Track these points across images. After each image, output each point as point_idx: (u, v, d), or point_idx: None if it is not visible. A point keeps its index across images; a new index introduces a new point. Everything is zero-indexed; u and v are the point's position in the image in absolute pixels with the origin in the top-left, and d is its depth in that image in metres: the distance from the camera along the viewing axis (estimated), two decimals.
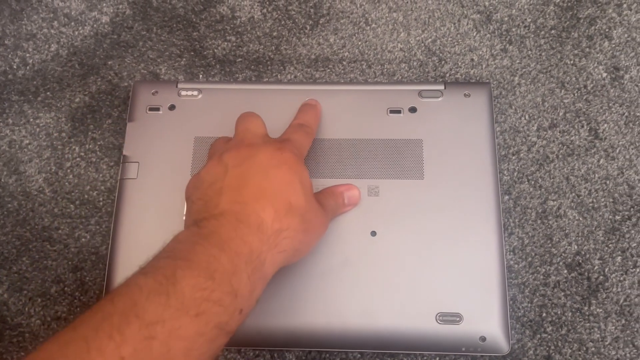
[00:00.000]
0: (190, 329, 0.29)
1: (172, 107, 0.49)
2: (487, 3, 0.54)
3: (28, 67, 0.53)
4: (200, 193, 0.37)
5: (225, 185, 0.36)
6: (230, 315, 0.31)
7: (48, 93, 0.52)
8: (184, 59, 0.53)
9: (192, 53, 0.53)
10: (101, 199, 0.49)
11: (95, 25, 0.54)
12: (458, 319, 0.42)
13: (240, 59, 0.53)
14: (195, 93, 0.49)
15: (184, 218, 0.39)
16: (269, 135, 0.42)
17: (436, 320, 0.42)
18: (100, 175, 0.49)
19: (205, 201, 0.36)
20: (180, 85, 0.49)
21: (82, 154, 0.50)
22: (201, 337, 0.29)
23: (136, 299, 0.28)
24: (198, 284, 0.30)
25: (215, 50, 0.53)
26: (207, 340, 0.30)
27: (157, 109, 0.49)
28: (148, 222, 0.45)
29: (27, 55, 0.53)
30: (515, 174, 0.48)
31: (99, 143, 0.50)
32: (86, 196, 0.49)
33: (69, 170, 0.50)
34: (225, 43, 0.53)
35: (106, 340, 0.26)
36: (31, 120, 0.51)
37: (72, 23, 0.54)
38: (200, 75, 0.52)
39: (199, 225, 0.34)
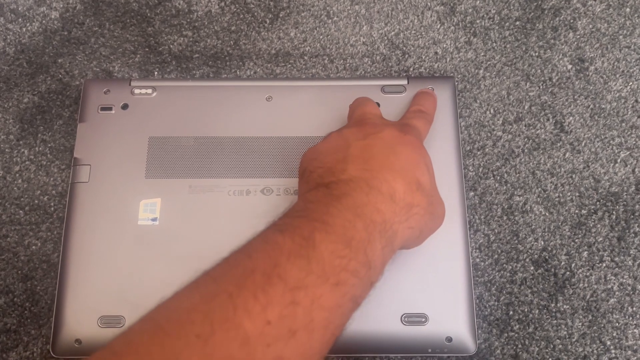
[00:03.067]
0: (330, 299, 0.27)
1: (125, 107, 0.47)
2: None
3: None
4: (319, 162, 0.35)
5: (349, 154, 0.34)
6: (363, 287, 0.29)
7: None
8: (139, 56, 0.51)
9: (147, 49, 0.51)
10: (52, 204, 0.46)
11: (44, 21, 0.52)
12: (424, 319, 0.41)
13: (197, 55, 0.51)
14: (149, 91, 0.47)
15: (298, 189, 0.37)
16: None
17: (401, 321, 0.41)
18: (51, 179, 0.47)
19: (328, 168, 0.34)
20: (133, 83, 0.47)
21: (32, 157, 0.48)
22: (339, 309, 0.28)
23: (277, 259, 0.27)
24: (337, 250, 0.28)
25: (171, 46, 0.51)
26: (343, 313, 0.28)
27: (110, 109, 0.47)
28: (101, 228, 0.43)
29: None
30: (481, 169, 0.47)
31: (49, 145, 0.48)
32: (36, 201, 0.46)
33: (17, 175, 0.47)
34: (182, 38, 0.51)
35: (252, 300, 0.25)
36: None
37: (20, 19, 0.52)
38: (156, 72, 0.50)
39: (329, 187, 0.32)
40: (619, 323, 0.43)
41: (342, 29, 0.52)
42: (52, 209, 0.46)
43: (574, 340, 0.43)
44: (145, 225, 0.43)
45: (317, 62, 0.51)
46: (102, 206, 0.44)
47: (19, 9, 0.52)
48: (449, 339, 0.41)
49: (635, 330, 0.43)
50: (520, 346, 0.43)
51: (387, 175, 0.33)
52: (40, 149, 0.48)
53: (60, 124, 0.49)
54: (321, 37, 0.51)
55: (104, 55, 0.51)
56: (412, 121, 0.41)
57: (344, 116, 0.45)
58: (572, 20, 0.52)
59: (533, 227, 0.46)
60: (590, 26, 0.51)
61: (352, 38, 0.51)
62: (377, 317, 0.41)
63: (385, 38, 0.51)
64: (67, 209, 0.44)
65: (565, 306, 0.44)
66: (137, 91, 0.47)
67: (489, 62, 0.50)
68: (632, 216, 0.46)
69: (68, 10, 0.52)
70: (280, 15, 0.52)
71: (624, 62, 0.50)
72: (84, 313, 0.42)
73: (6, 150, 0.48)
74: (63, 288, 0.42)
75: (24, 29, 0.51)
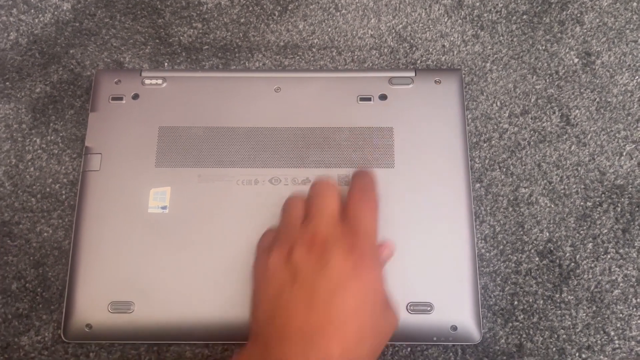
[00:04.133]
0: None
1: (135, 97, 0.47)
2: None
3: None
4: (267, 295, 0.36)
5: (293, 298, 0.34)
6: None
7: (7, 83, 0.50)
8: (149, 47, 0.51)
9: (157, 41, 0.52)
10: (64, 192, 0.47)
11: (56, 13, 0.52)
12: (429, 308, 0.42)
13: (206, 47, 0.51)
14: (159, 82, 0.48)
15: (251, 300, 0.38)
16: (340, 220, 0.38)
17: (407, 310, 0.42)
18: (63, 167, 0.48)
19: (271, 314, 0.35)
20: (144, 74, 0.48)
21: (44, 145, 0.48)
22: None
23: None
24: None
25: (181, 38, 0.52)
26: None
27: (120, 99, 0.47)
28: (112, 216, 0.44)
29: None
30: (487, 161, 0.48)
31: (61, 134, 0.49)
32: (48, 189, 0.47)
33: (29, 163, 0.48)
34: (191, 30, 0.52)
35: None
36: None
37: (32, 10, 0.52)
38: (166, 64, 0.51)
39: (267, 346, 0.33)
40: (623, 314, 0.44)
41: (350, 22, 0.52)
42: (64, 196, 0.47)
43: (578, 330, 0.43)
44: (155, 213, 0.44)
45: (325, 54, 0.51)
46: (112, 194, 0.44)
47: (32, 0, 0.53)
48: (454, 328, 0.42)
49: (639, 321, 0.43)
50: (524, 336, 0.43)
51: (326, 337, 0.33)
52: (52, 137, 0.49)
53: (72, 113, 0.49)
54: (329, 29, 0.52)
55: (115, 46, 0.51)
56: (360, 214, 0.39)
57: (350, 107, 0.46)
58: (579, 15, 0.52)
59: (538, 218, 0.46)
60: (597, 20, 0.52)
61: (360, 31, 0.52)
62: None
63: (393, 31, 0.52)
64: (78, 197, 0.45)
65: (569, 297, 0.44)
66: (147, 82, 0.48)
67: (495, 56, 0.51)
68: (637, 209, 0.46)
69: (80, 1, 0.53)
70: (289, 8, 0.53)
71: (630, 56, 0.50)
72: (95, 299, 0.42)
73: (19, 139, 0.48)
74: (74, 274, 0.43)
75: (37, 20, 0.52)
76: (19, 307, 0.44)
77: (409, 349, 0.43)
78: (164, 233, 0.43)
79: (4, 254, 0.45)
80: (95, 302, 0.42)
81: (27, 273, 0.45)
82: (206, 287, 0.42)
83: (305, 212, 0.39)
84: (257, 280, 0.38)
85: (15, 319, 0.44)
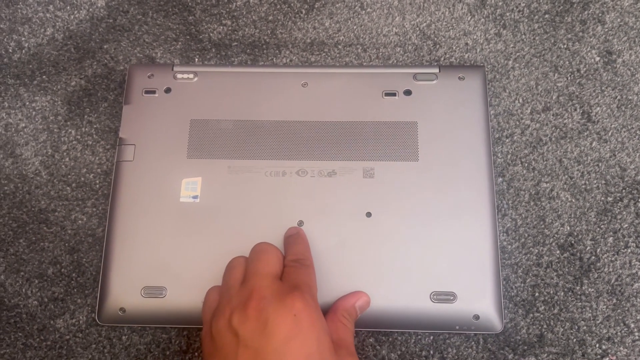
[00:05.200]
0: None
1: (168, 90, 0.49)
2: None
3: (24, 51, 0.53)
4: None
5: None
6: None
7: (44, 77, 0.52)
8: (180, 43, 0.53)
9: (188, 37, 0.53)
10: (97, 181, 0.49)
11: (90, 9, 0.54)
12: (452, 297, 0.43)
13: (235, 43, 0.53)
14: (191, 76, 0.49)
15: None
16: (277, 279, 0.39)
17: (430, 299, 0.43)
18: (97, 158, 0.49)
19: None
20: (176, 69, 0.50)
21: (79, 137, 0.50)
22: None
23: None
24: None
25: (211, 34, 0.53)
26: None
27: (153, 92, 0.49)
28: (145, 204, 0.45)
29: (23, 39, 0.53)
30: (509, 156, 0.49)
31: (95, 126, 0.50)
32: (82, 179, 0.49)
33: (65, 153, 0.50)
34: (221, 27, 0.54)
35: None
36: (27, 103, 0.51)
37: (68, 7, 0.54)
38: (196, 59, 0.53)
39: None
40: None
41: (375, 20, 0.53)
42: (97, 186, 0.49)
43: (598, 322, 0.44)
44: (186, 202, 0.45)
45: (351, 51, 0.52)
46: (145, 184, 0.46)
47: None
48: (477, 317, 0.43)
49: None
50: (545, 326, 0.44)
51: None
52: (87, 129, 0.50)
53: (105, 106, 0.51)
54: (355, 27, 0.53)
55: (147, 42, 0.53)
56: (296, 278, 0.39)
57: (375, 102, 0.47)
58: (600, 14, 0.53)
59: (559, 212, 0.47)
60: (619, 20, 0.53)
61: (385, 28, 0.53)
62: (407, 295, 0.43)
63: (417, 29, 0.53)
64: (112, 186, 0.46)
65: (590, 289, 0.45)
66: (179, 76, 0.49)
67: (518, 54, 0.52)
68: None
69: None
70: (316, 6, 0.54)
71: None
72: (128, 283, 0.44)
73: (55, 130, 0.50)
74: (108, 260, 0.44)
75: (72, 17, 0.54)
76: (54, 291, 0.46)
77: (431, 337, 0.44)
78: (195, 221, 0.45)
79: (41, 240, 0.47)
80: (129, 287, 0.44)
81: (63, 259, 0.47)
82: None
83: (244, 273, 0.39)
84: (206, 346, 0.37)
85: (51, 302, 0.46)
